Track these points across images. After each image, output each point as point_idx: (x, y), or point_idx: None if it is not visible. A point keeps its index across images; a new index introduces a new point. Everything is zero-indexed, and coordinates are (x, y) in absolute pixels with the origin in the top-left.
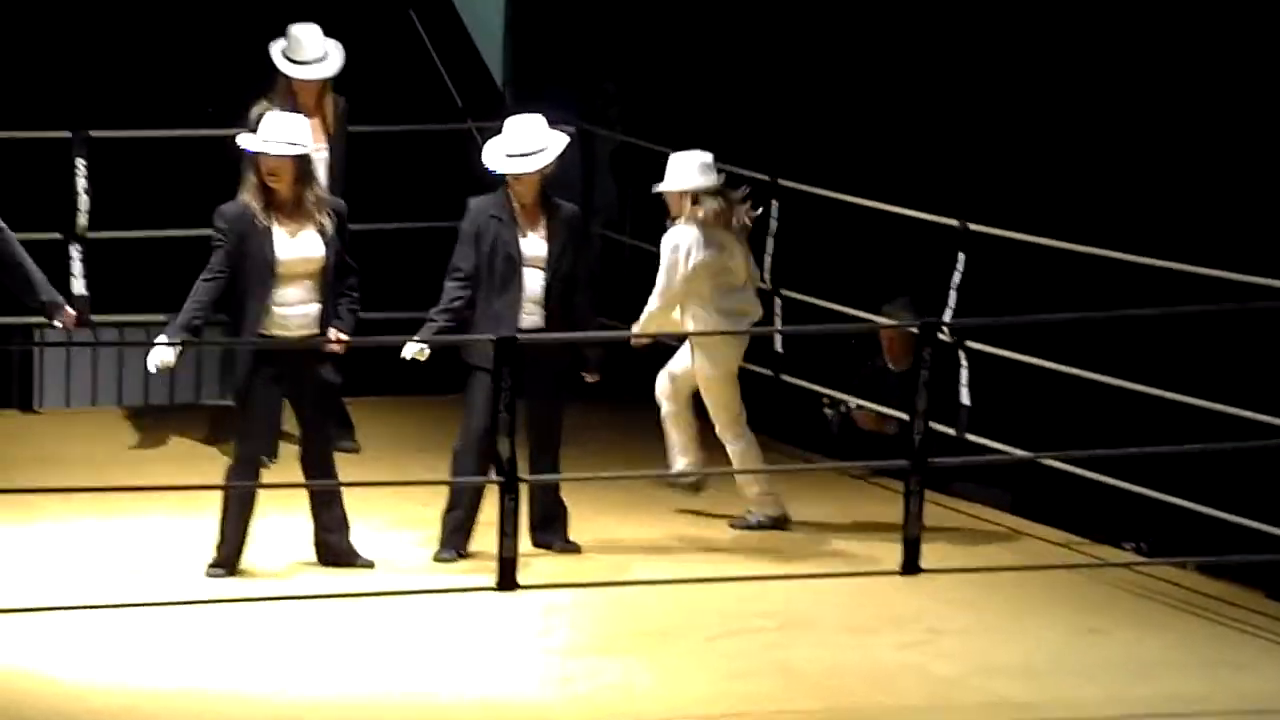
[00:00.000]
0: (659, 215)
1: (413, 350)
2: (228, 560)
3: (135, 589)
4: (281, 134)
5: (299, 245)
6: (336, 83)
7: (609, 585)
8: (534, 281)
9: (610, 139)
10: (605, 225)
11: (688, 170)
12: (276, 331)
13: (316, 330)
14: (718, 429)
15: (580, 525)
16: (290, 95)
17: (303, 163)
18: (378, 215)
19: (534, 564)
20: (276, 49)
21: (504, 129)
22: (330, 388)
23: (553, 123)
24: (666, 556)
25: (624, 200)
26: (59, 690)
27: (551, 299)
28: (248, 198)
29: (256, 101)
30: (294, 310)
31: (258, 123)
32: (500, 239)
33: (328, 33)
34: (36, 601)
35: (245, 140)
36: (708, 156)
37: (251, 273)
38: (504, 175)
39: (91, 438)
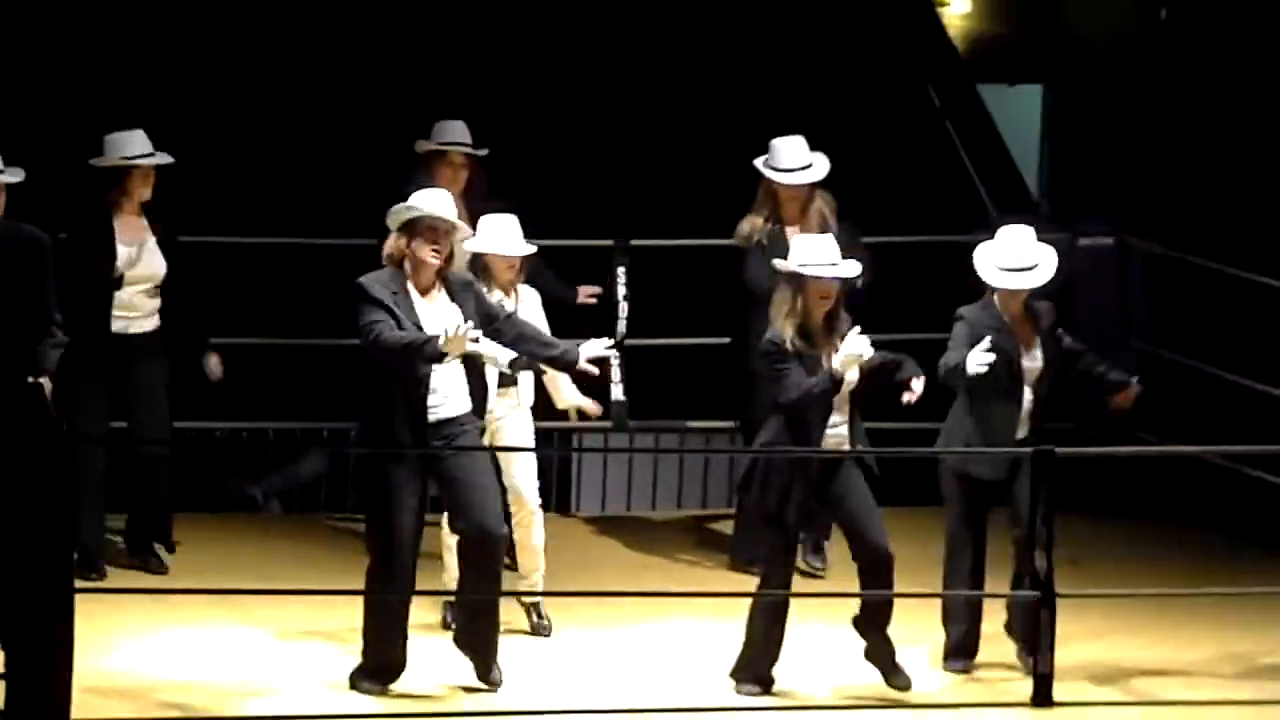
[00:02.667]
0: (1203, 327)
1: None
2: (759, 678)
3: (682, 695)
4: (825, 256)
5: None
6: (836, 185)
7: (1151, 705)
8: (1029, 396)
9: (1148, 249)
10: (1143, 338)
11: None
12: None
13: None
14: None
15: (1115, 642)
16: (773, 205)
17: (844, 283)
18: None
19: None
20: (760, 161)
21: (998, 239)
22: None
23: (1089, 233)
24: (1198, 678)
25: (1161, 309)
26: None
27: (1038, 413)
28: (786, 325)
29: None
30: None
31: (746, 239)
32: (1001, 350)
33: (858, 142)
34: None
35: (799, 262)
36: None
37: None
38: (995, 289)
39: (625, 543)
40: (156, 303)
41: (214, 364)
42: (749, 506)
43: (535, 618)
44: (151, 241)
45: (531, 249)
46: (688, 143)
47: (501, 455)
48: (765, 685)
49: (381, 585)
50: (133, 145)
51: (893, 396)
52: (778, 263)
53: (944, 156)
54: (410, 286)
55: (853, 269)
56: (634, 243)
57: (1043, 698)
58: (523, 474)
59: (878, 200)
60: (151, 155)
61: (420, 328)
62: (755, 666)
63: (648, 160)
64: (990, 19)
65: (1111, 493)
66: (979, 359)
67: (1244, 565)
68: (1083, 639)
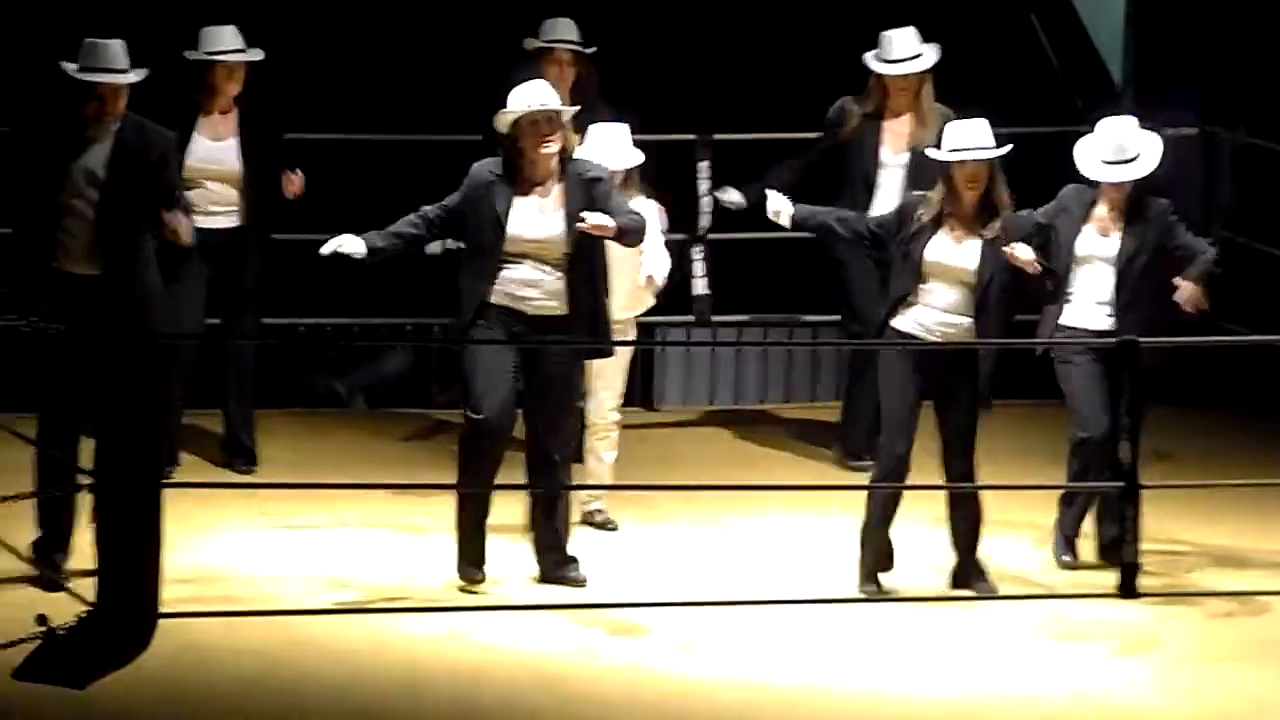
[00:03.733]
0: None
1: None
2: (871, 575)
3: (764, 588)
4: (976, 139)
5: (962, 253)
6: (948, 90)
7: (1231, 595)
8: (1107, 279)
9: (1234, 139)
10: (1227, 227)
11: None
12: (917, 331)
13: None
14: None
15: (1200, 533)
16: (883, 97)
17: (993, 166)
18: None
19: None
20: (870, 54)
21: (1097, 132)
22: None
23: (1174, 123)
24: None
25: (1246, 202)
26: (683, 686)
27: (1126, 300)
28: (928, 209)
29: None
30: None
31: (837, 117)
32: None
33: (944, 37)
34: (669, 597)
35: (951, 146)
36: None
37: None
38: (1099, 182)
39: (709, 437)
40: (238, 200)
41: (293, 180)
42: (857, 398)
43: (600, 519)
44: (233, 140)
45: (640, 158)
46: (766, 37)
47: (591, 364)
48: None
49: (467, 473)
50: (221, 40)
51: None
52: (931, 152)
53: (1030, 49)
54: (518, 179)
55: (1003, 149)
56: (716, 136)
57: (1128, 588)
58: (609, 386)
59: (966, 93)
60: (241, 51)
61: (501, 220)
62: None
63: (728, 55)
64: None
65: (1197, 383)
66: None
67: None
68: (1168, 531)
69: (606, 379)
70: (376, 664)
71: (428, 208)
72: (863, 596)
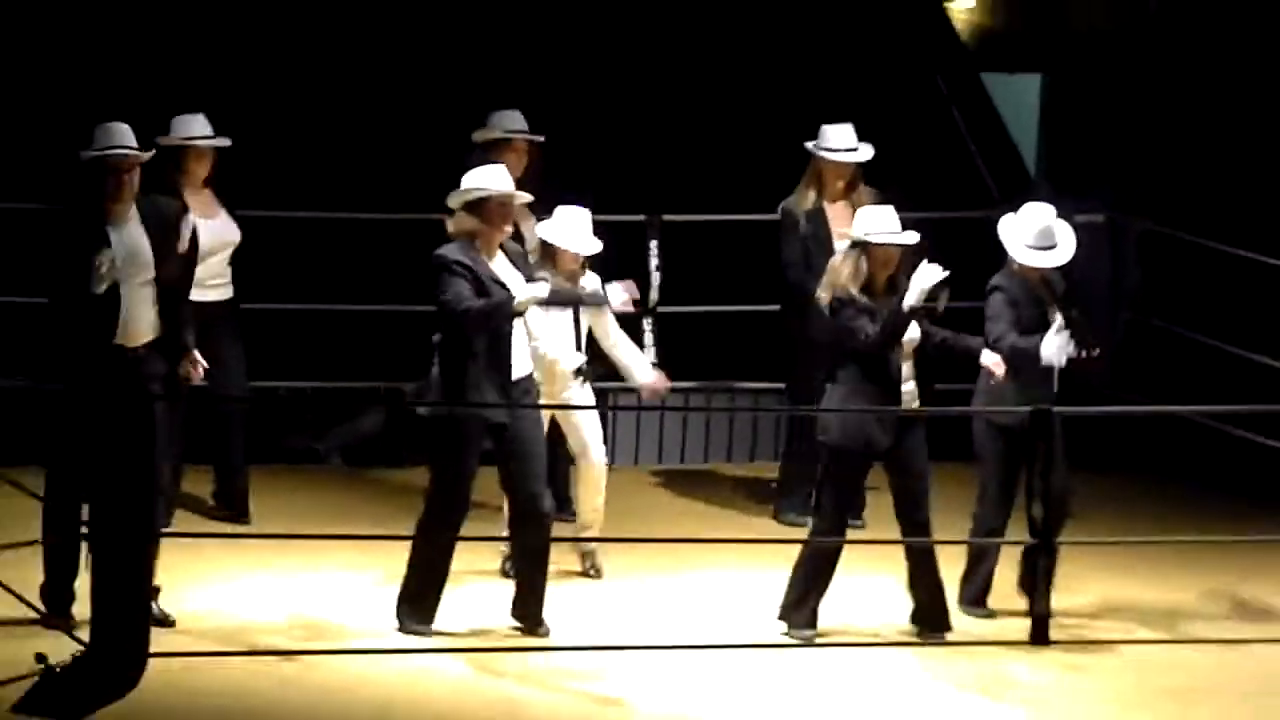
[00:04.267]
0: (1190, 298)
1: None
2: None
3: (709, 632)
4: (890, 224)
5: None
6: (873, 176)
7: (1138, 643)
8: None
9: (1139, 226)
10: (1132, 307)
11: None
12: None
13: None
14: None
15: (1109, 586)
16: (818, 184)
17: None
18: None
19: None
20: (811, 144)
21: (1024, 216)
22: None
23: (1083, 210)
24: (1188, 620)
25: (1150, 283)
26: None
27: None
28: (850, 286)
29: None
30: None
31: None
32: (1029, 316)
33: (872, 127)
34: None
35: (864, 230)
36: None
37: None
38: (1022, 266)
39: (658, 493)
40: (229, 271)
41: None
42: (797, 460)
43: (590, 565)
44: (223, 214)
45: (599, 246)
46: (712, 128)
47: (572, 417)
48: (813, 626)
49: (439, 529)
50: (193, 127)
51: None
52: (846, 231)
53: (950, 140)
54: (481, 255)
55: (912, 237)
56: (665, 218)
57: (1040, 636)
58: (591, 434)
59: (891, 180)
60: (210, 137)
61: (503, 285)
62: (806, 608)
63: (676, 142)
64: (992, 13)
65: (1107, 450)
66: (1060, 349)
67: (1227, 516)
68: (1079, 584)
69: (590, 425)
70: (353, 700)
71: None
72: (796, 641)
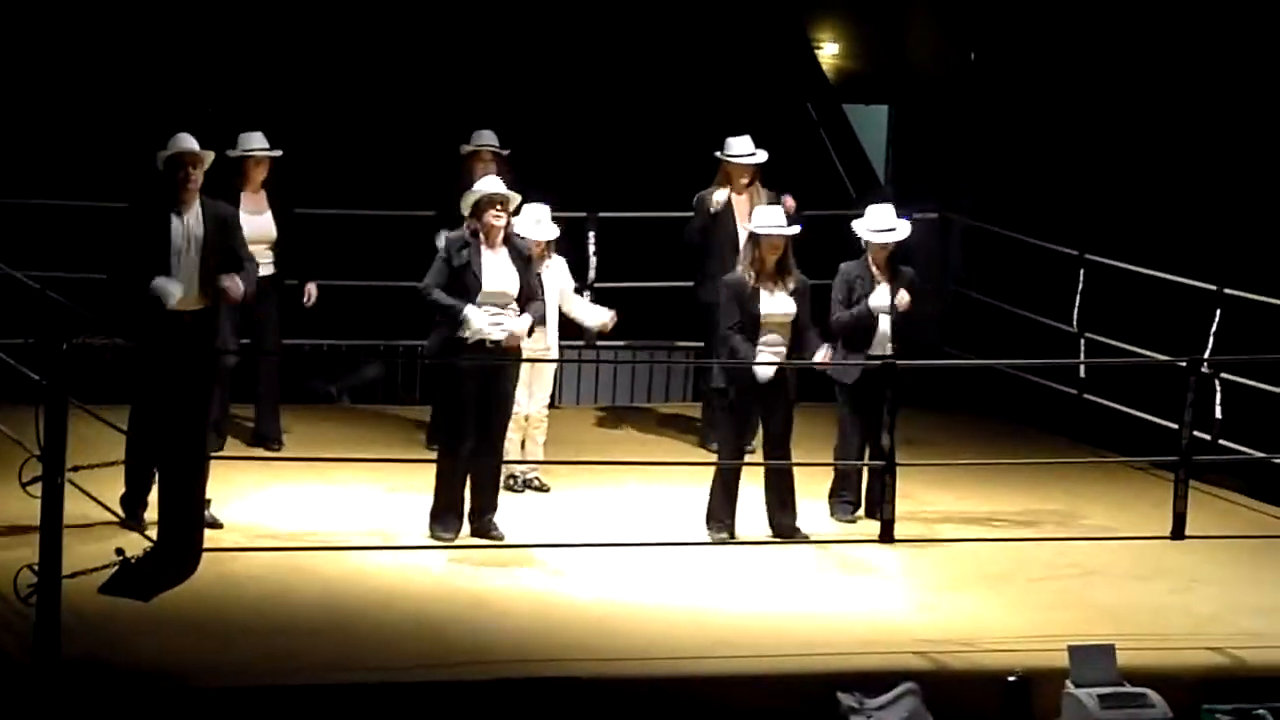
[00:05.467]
0: (1001, 277)
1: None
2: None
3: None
4: (775, 220)
5: (779, 303)
6: (765, 180)
7: (960, 541)
8: (884, 323)
9: (962, 222)
10: (958, 284)
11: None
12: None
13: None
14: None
15: (940, 498)
16: (726, 181)
17: (788, 239)
18: None
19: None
20: (719, 153)
21: (868, 211)
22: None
23: (920, 210)
24: (995, 524)
25: (971, 265)
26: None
27: (896, 336)
28: (744, 269)
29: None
30: (774, 351)
31: (700, 205)
32: (864, 292)
33: (762, 142)
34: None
35: (756, 225)
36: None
37: (747, 322)
38: (869, 244)
39: (598, 426)
40: (271, 256)
41: (310, 290)
42: (715, 401)
43: (537, 484)
44: (268, 213)
45: (556, 232)
46: (638, 145)
47: (529, 371)
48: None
49: (450, 453)
50: (253, 141)
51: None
52: (744, 225)
53: (819, 155)
54: (482, 245)
55: (795, 229)
56: (601, 214)
57: (886, 536)
58: (542, 389)
59: (778, 182)
60: (267, 149)
61: (478, 276)
62: (720, 515)
63: (609, 156)
64: (852, 57)
65: (937, 393)
66: (881, 297)
67: (1027, 443)
68: (915, 496)
69: (541, 385)
70: (355, 587)
71: (433, 284)
72: (711, 540)
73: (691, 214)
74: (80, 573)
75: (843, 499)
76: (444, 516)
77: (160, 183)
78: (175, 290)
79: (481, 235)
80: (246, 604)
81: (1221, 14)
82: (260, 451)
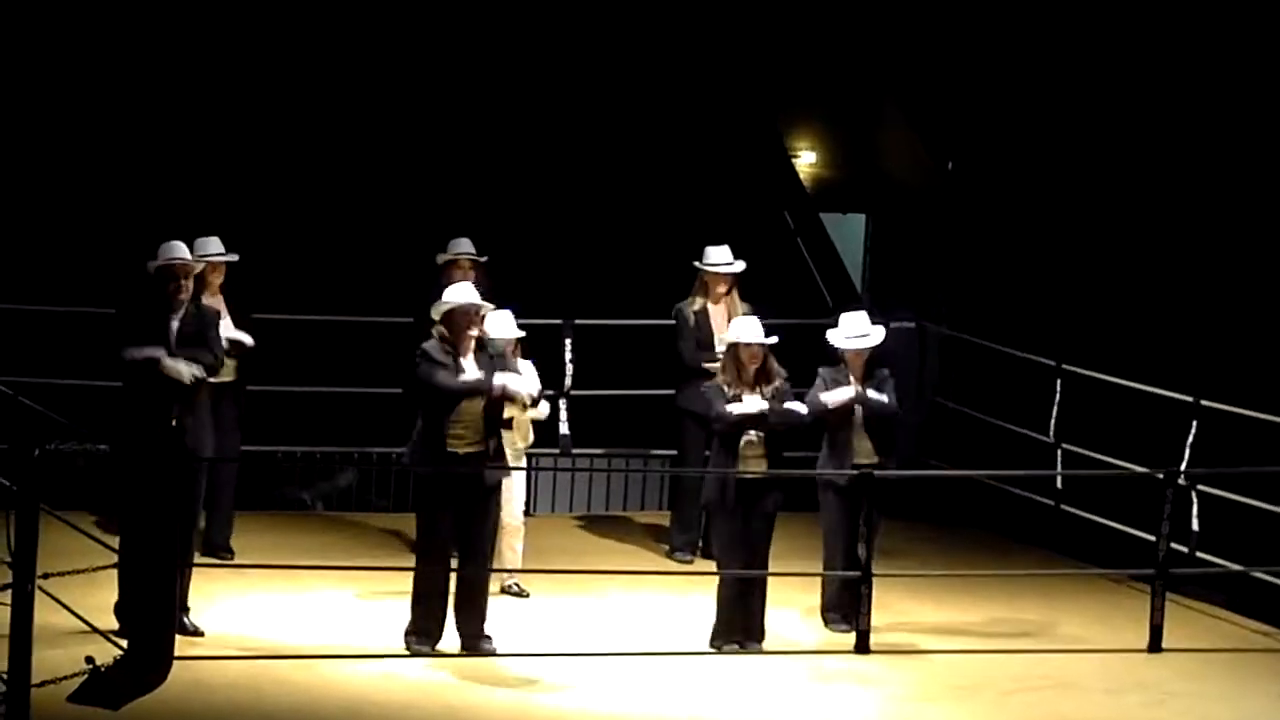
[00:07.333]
0: (978, 387)
1: None
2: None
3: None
4: (755, 330)
5: (752, 404)
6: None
7: (935, 652)
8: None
9: (939, 331)
10: (935, 392)
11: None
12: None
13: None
14: None
15: (916, 610)
16: (704, 291)
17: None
18: None
19: (882, 636)
20: (697, 262)
21: (842, 319)
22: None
23: (897, 319)
24: (970, 635)
25: (948, 375)
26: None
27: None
28: (723, 376)
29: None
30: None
31: (679, 316)
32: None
33: (740, 250)
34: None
35: (735, 335)
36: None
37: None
38: (843, 351)
39: (571, 534)
40: (232, 363)
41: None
42: (709, 508)
43: (516, 589)
44: (227, 319)
45: (521, 333)
46: (613, 256)
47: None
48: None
49: (428, 565)
50: (209, 246)
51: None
52: (721, 336)
53: (796, 263)
54: (455, 351)
55: (772, 339)
56: (577, 321)
57: (862, 647)
58: (516, 497)
59: (750, 294)
60: (223, 254)
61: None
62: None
63: (585, 267)
64: (829, 166)
65: (912, 503)
66: (831, 397)
67: (1000, 554)
68: (892, 607)
69: (515, 493)
70: (328, 696)
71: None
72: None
73: (670, 323)
74: (49, 681)
75: (833, 614)
76: (422, 628)
77: (151, 290)
78: (184, 367)
79: (451, 344)
80: (217, 712)
81: (1196, 127)
82: (212, 560)
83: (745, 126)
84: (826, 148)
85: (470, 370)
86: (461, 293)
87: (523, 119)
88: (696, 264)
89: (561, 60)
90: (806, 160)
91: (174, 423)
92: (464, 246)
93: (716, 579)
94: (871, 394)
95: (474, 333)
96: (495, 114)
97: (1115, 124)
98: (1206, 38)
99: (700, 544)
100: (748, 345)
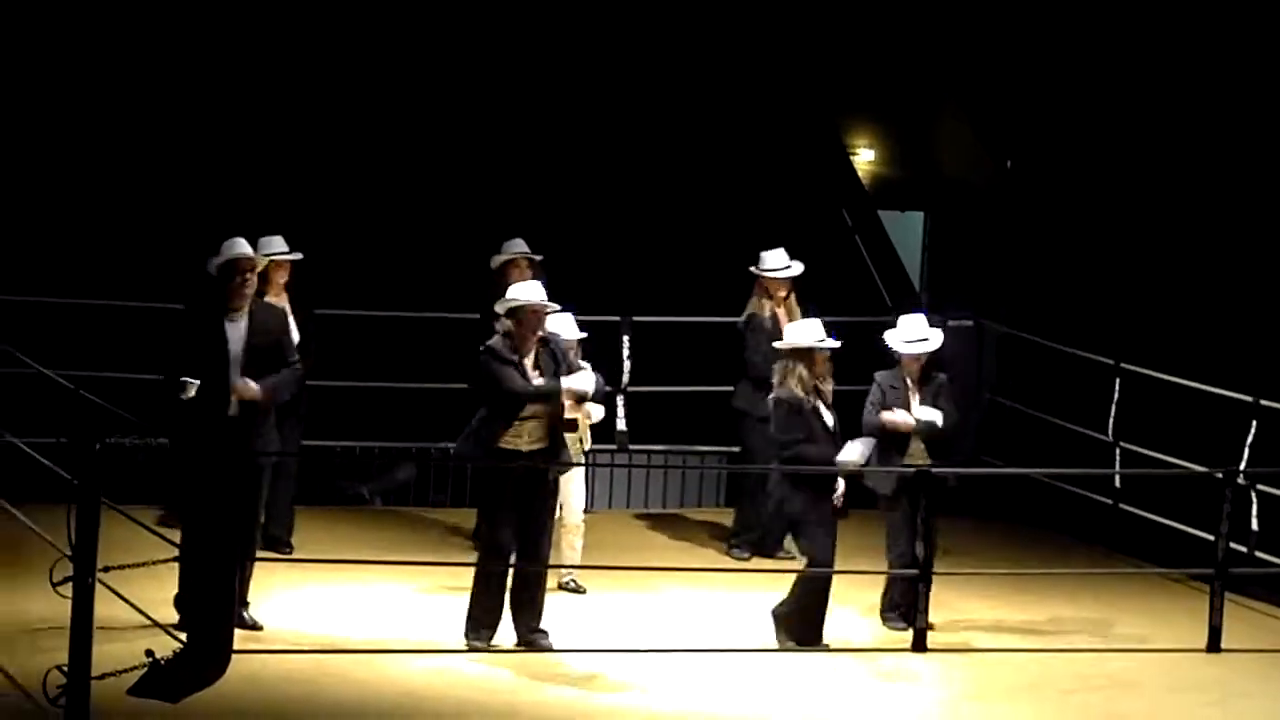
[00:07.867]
0: (1037, 386)
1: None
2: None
3: (684, 639)
4: (818, 333)
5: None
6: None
7: (993, 651)
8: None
9: (997, 329)
10: (992, 392)
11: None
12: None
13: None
14: None
15: (971, 607)
16: (764, 293)
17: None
18: None
19: (940, 635)
20: (753, 268)
21: (901, 322)
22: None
23: (955, 317)
24: (1028, 634)
25: (1006, 373)
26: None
27: (931, 444)
28: (796, 384)
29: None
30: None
31: (748, 321)
32: (895, 401)
33: (797, 253)
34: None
35: (803, 336)
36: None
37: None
38: (901, 355)
39: (626, 531)
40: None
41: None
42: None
43: (573, 585)
44: (290, 318)
45: (583, 335)
46: (672, 254)
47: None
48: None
49: (489, 561)
50: (273, 245)
51: None
52: (792, 338)
53: (855, 262)
54: (519, 349)
55: (834, 343)
56: (635, 319)
57: (920, 645)
58: (576, 495)
59: (810, 293)
60: (287, 253)
61: (526, 376)
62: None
63: (644, 265)
64: (887, 163)
65: (973, 501)
66: (887, 419)
67: (1060, 551)
68: (950, 605)
69: (575, 490)
70: (385, 691)
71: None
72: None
73: (731, 320)
74: (109, 674)
75: (891, 613)
76: (481, 621)
77: (214, 287)
78: (191, 386)
79: (515, 342)
80: (275, 707)
81: (1258, 127)
82: (271, 554)
83: (804, 124)
84: (885, 145)
85: (531, 369)
86: (532, 290)
87: (580, 117)
88: (753, 269)
89: (622, 59)
90: (865, 158)
91: (234, 416)
92: (519, 246)
93: (784, 575)
94: (925, 415)
95: (540, 333)
96: (553, 113)
97: (1174, 122)
98: (1269, 38)
99: (759, 542)
100: (822, 351)
